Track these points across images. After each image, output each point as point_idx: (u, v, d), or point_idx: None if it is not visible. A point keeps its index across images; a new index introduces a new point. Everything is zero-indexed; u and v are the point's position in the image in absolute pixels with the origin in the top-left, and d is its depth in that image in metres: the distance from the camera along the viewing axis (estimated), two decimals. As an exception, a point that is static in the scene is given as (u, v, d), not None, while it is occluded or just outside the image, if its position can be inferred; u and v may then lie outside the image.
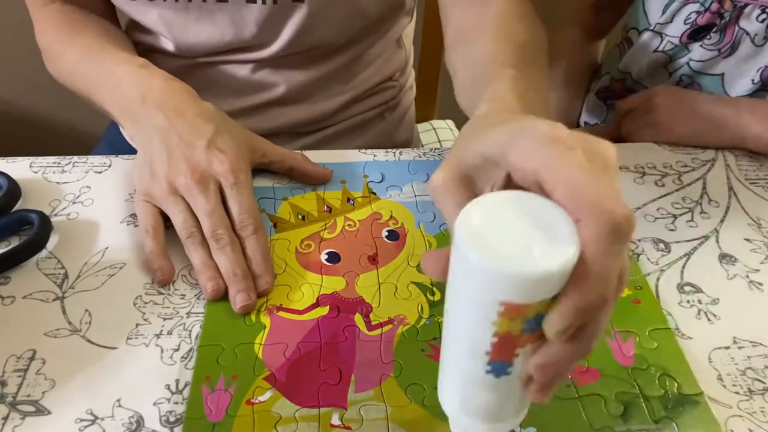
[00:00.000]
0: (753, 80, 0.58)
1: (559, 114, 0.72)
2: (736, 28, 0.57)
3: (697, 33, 0.60)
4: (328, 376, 0.37)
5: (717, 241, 0.47)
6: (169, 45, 0.58)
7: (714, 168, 0.54)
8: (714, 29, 0.58)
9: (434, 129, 0.91)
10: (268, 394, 0.36)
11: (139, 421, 0.35)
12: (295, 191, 0.50)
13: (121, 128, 0.50)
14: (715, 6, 0.57)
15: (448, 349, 0.28)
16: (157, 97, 0.47)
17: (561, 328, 0.23)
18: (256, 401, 0.36)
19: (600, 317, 0.24)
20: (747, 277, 0.44)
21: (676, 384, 0.37)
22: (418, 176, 0.52)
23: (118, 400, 0.36)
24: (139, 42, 0.61)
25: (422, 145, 0.85)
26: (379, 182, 0.51)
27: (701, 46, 0.60)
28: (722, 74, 0.60)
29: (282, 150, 0.50)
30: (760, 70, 0.58)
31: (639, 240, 0.47)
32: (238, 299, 0.41)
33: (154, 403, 0.36)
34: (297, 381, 0.37)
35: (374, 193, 0.50)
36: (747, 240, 0.47)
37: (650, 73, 0.65)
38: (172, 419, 0.35)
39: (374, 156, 0.54)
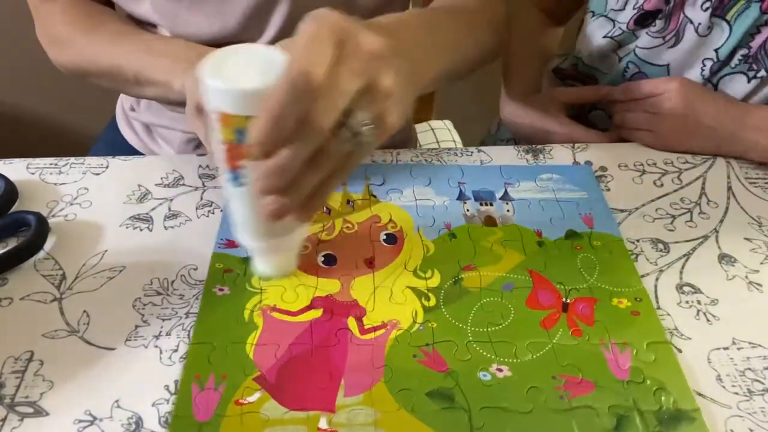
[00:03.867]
0: (703, 74, 0.57)
1: (524, 88, 0.71)
2: (681, 16, 0.56)
3: (644, 19, 0.59)
4: (318, 379, 0.37)
5: (717, 241, 0.46)
6: (165, 35, 0.58)
7: (715, 165, 0.53)
8: (660, 16, 0.57)
9: (432, 129, 0.90)
10: (257, 395, 0.36)
11: (138, 421, 0.35)
12: (294, 192, 0.50)
13: (164, 87, 0.51)
14: None
15: (220, 173, 0.37)
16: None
17: (251, 140, 0.30)
18: (245, 402, 0.36)
19: (295, 148, 0.31)
20: (746, 278, 0.44)
21: (672, 398, 0.36)
22: (420, 180, 0.52)
23: (117, 401, 0.36)
24: None
25: (420, 146, 0.84)
26: (380, 185, 0.51)
27: (647, 33, 0.59)
28: (668, 65, 0.59)
29: None
30: (709, 63, 0.57)
31: (638, 240, 0.46)
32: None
33: (153, 404, 0.36)
34: (286, 383, 0.37)
35: (374, 196, 0.50)
36: (747, 239, 0.47)
37: (601, 58, 0.64)
38: (171, 420, 0.35)
39: (372, 156, 0.54)
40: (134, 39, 0.54)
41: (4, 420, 0.35)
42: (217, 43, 0.57)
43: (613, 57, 0.63)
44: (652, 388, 0.36)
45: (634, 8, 0.59)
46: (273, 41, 0.56)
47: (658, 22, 0.58)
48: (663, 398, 0.36)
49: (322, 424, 0.35)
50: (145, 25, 0.60)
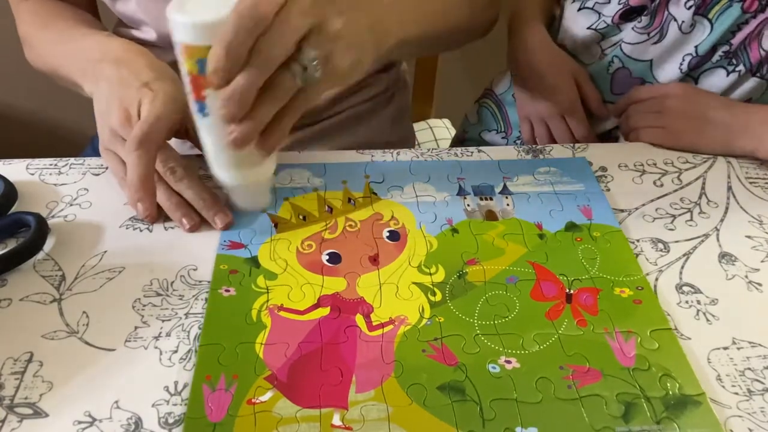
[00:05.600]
0: (681, 69, 0.59)
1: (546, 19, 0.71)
2: (666, 13, 0.58)
3: (629, 14, 0.60)
4: (329, 376, 0.37)
5: (717, 240, 0.47)
6: (151, 34, 0.58)
7: (716, 165, 0.54)
8: (645, 12, 0.59)
9: (431, 128, 0.91)
10: (269, 394, 0.36)
11: (138, 422, 0.35)
12: (296, 191, 0.50)
13: (82, 90, 0.52)
14: None
15: (190, 109, 0.39)
16: (115, 55, 0.49)
17: (209, 67, 0.34)
18: (257, 401, 0.36)
19: (249, 75, 0.34)
20: (746, 277, 0.44)
21: (677, 384, 0.37)
22: (419, 177, 0.52)
23: (117, 402, 0.36)
24: (128, 39, 0.62)
25: (419, 144, 0.85)
26: (380, 182, 0.51)
27: (633, 29, 0.60)
28: (651, 60, 0.61)
29: None
30: (688, 59, 0.58)
31: (638, 240, 0.47)
32: (218, 220, 0.46)
33: (153, 405, 0.36)
34: (298, 381, 0.37)
35: (375, 194, 0.50)
36: (748, 237, 0.47)
37: (584, 49, 0.65)
38: (171, 421, 0.35)
39: (372, 157, 0.54)
40: (70, 38, 0.54)
41: (3, 421, 0.34)
42: None
43: (596, 48, 0.64)
44: (657, 374, 0.37)
45: (619, 3, 0.61)
46: None
47: (643, 18, 0.59)
48: (669, 384, 0.37)
49: (336, 420, 0.35)
50: (134, 28, 0.60)
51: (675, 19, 0.57)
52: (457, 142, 0.80)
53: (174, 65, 0.60)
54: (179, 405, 0.36)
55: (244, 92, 0.35)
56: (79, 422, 0.35)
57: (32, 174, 0.52)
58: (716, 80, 0.58)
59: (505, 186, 0.51)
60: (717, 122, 0.55)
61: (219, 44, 0.34)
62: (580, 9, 0.64)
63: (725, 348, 0.39)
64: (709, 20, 0.56)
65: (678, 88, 0.57)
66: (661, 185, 0.52)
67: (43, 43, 0.56)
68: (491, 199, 0.50)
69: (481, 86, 0.80)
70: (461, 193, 0.50)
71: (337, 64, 0.37)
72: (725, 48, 0.56)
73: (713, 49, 0.57)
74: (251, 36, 0.34)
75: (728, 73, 0.57)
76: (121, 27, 0.63)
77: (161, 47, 0.59)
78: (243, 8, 0.33)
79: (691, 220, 0.49)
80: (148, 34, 0.59)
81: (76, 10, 0.59)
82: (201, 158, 0.52)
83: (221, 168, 0.42)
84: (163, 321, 0.40)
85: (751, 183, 0.53)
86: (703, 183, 0.52)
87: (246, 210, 0.47)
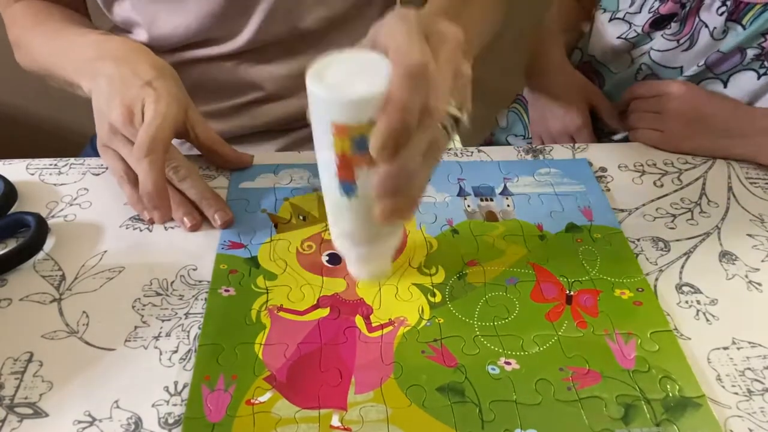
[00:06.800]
0: (698, 63, 0.58)
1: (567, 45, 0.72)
2: (696, 20, 0.57)
3: (659, 22, 0.60)
4: (329, 377, 0.37)
5: (719, 238, 0.47)
6: (143, 36, 0.58)
7: (716, 165, 0.54)
8: (675, 19, 0.59)
9: (431, 128, 0.90)
10: (268, 395, 0.36)
11: (138, 422, 0.35)
12: (296, 192, 0.50)
13: (80, 89, 0.51)
14: None
15: (323, 183, 0.35)
16: (113, 53, 0.48)
17: (377, 145, 0.29)
18: (256, 402, 0.36)
19: (414, 144, 0.30)
20: (746, 277, 0.44)
21: (677, 386, 0.37)
22: (418, 177, 0.52)
23: (117, 402, 0.36)
24: None
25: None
26: (379, 183, 0.51)
27: (662, 36, 0.60)
28: (681, 67, 0.60)
29: (210, 128, 0.50)
30: (707, 56, 0.58)
31: (638, 239, 0.47)
32: (218, 218, 0.46)
33: (153, 405, 0.36)
34: (297, 382, 0.37)
35: (374, 194, 0.50)
36: (749, 236, 0.47)
37: (614, 58, 0.65)
38: (171, 421, 0.35)
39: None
40: (63, 37, 0.54)
41: (3, 421, 0.35)
42: (198, 41, 0.57)
43: (626, 57, 0.64)
44: (657, 376, 0.37)
45: (649, 11, 0.60)
46: (253, 37, 0.57)
47: (673, 24, 0.59)
48: (668, 386, 0.37)
49: (335, 421, 0.35)
50: (128, 32, 0.60)
51: (706, 26, 0.57)
52: (484, 145, 0.80)
53: (176, 69, 0.60)
54: (179, 405, 0.36)
55: (413, 164, 0.30)
56: (79, 422, 0.35)
57: (32, 174, 0.52)
58: (746, 82, 0.57)
59: (505, 187, 0.51)
60: (717, 128, 0.54)
61: (392, 115, 0.29)
62: (610, 20, 0.64)
63: (725, 348, 0.39)
64: (743, 26, 0.55)
65: (680, 88, 0.56)
66: (662, 185, 0.52)
67: (35, 43, 0.56)
68: (491, 200, 0.50)
69: (481, 86, 0.80)
70: (461, 193, 0.50)
71: (468, 107, 0.35)
72: (756, 51, 0.55)
73: (741, 51, 0.56)
74: (421, 98, 0.29)
75: (759, 76, 0.56)
76: (117, 32, 0.63)
77: (152, 48, 0.59)
78: (412, 70, 0.29)
79: (692, 219, 0.49)
80: (140, 36, 0.59)
81: (66, 10, 0.59)
82: (201, 158, 0.53)
83: (359, 243, 0.38)
84: (163, 321, 0.40)
85: (751, 183, 0.53)
86: (704, 183, 0.53)
87: (370, 281, 0.42)
